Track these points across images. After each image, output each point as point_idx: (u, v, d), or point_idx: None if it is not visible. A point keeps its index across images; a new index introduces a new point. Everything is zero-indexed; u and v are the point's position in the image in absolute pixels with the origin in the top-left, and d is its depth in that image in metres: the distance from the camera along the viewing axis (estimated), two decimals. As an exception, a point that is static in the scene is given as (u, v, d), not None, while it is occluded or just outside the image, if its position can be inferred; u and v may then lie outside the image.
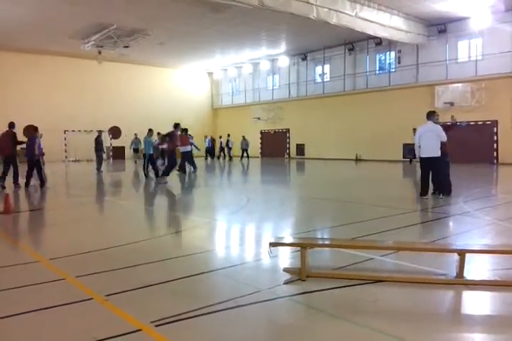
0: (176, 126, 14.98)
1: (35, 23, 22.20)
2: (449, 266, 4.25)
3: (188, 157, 17.12)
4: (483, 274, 4.20)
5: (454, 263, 4.09)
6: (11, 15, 20.90)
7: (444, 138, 9.04)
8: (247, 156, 30.21)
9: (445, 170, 9.55)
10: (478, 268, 4.36)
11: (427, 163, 9.23)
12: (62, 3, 19.29)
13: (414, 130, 22.14)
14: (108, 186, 14.66)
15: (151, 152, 15.22)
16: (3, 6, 19.53)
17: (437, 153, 9.03)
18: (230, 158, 30.52)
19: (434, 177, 9.32)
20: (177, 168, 16.80)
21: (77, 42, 25.69)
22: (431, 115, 9.34)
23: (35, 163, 12.54)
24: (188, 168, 17.56)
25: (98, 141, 19.26)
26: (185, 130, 17.90)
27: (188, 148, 17.26)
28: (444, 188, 9.51)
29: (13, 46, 27.09)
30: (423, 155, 9.20)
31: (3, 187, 11.90)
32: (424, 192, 9.34)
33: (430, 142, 9.03)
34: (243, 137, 31.35)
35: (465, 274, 3.93)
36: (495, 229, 6.49)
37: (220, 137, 31.87)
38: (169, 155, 14.93)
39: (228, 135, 31.99)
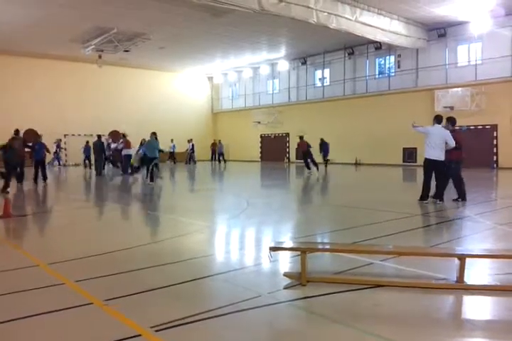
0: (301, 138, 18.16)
1: (36, 27, 22.27)
2: (449, 271, 4.24)
3: (128, 159, 18.76)
4: (484, 279, 4.19)
5: (455, 268, 4.08)
6: (11, 20, 20.97)
7: (453, 143, 8.98)
8: (224, 160, 30.68)
9: (459, 175, 9.47)
10: (478, 272, 4.35)
11: (431, 165, 9.14)
12: (63, 8, 19.35)
13: (322, 141, 23.03)
14: (107, 190, 14.64)
15: (157, 156, 14.94)
16: (3, 10, 19.60)
17: (442, 157, 9.00)
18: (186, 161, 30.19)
19: (437, 182, 9.25)
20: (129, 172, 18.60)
21: (77, 46, 25.75)
22: (439, 119, 9.27)
23: (42, 164, 15.22)
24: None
25: (97, 145, 19.42)
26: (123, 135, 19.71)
27: (130, 151, 18.84)
28: (460, 193, 9.47)
29: (13, 50, 27.15)
30: (428, 157, 9.12)
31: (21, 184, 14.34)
32: (424, 196, 9.31)
33: (436, 145, 8.97)
34: (219, 141, 31.80)
35: (465, 279, 3.92)
36: (495, 234, 6.49)
37: (189, 141, 30.88)
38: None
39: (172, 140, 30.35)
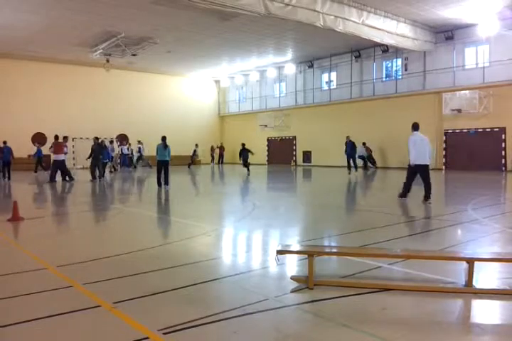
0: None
1: (44, 31, 22.50)
2: (457, 275, 4.21)
3: (61, 166, 17.26)
4: (493, 283, 4.17)
5: (463, 272, 4.06)
6: (20, 24, 21.21)
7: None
8: (149, 166, 27.86)
9: None
10: (487, 276, 4.33)
11: (418, 169, 9.81)
12: (71, 12, 19.54)
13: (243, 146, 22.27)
14: (110, 193, 14.69)
15: (167, 159, 14.77)
16: (12, 14, 19.82)
17: (428, 161, 9.81)
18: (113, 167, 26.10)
19: (425, 184, 9.85)
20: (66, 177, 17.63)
21: (85, 51, 25.99)
22: (416, 126, 9.96)
23: (8, 165, 18.80)
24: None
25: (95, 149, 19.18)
26: (64, 137, 18.17)
27: (62, 156, 17.20)
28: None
29: (22, 54, 27.45)
30: (417, 163, 9.77)
31: None
32: (404, 194, 10.20)
33: (423, 150, 9.72)
34: (139, 142, 28.48)
35: (474, 283, 3.90)
36: (504, 237, 6.44)
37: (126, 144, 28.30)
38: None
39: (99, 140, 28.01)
